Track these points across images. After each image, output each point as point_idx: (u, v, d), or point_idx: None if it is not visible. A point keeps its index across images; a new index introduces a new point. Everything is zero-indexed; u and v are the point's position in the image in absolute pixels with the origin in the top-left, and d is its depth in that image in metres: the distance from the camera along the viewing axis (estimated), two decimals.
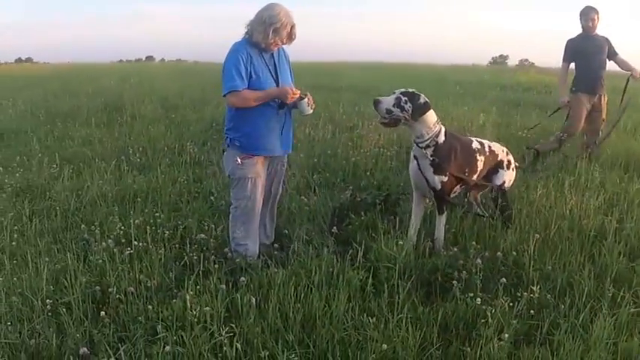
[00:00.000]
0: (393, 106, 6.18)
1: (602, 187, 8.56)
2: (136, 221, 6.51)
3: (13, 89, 24.57)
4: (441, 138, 6.33)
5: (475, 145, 6.75)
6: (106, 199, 7.95)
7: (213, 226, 6.69)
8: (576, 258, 6.00)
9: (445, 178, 6.34)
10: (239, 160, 5.94)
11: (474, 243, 6.10)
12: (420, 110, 6.19)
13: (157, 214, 7.02)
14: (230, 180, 6.24)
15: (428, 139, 6.26)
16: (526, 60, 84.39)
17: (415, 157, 6.45)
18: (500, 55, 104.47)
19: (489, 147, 6.89)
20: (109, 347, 4.38)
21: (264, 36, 5.79)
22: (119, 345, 4.41)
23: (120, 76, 30.05)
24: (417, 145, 6.34)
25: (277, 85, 5.99)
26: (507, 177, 6.95)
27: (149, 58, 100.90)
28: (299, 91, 5.90)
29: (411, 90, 6.30)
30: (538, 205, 7.36)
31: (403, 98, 6.18)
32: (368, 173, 9.31)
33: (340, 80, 22.09)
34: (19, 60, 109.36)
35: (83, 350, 4.33)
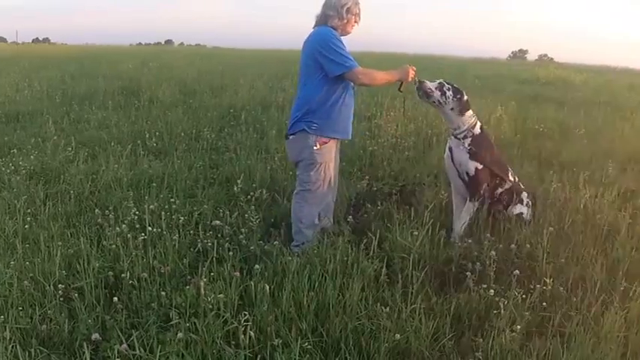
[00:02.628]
0: (435, 88, 6.53)
1: (616, 183, 8.53)
2: (151, 207, 6.53)
3: (30, 69, 24.52)
4: (477, 130, 6.59)
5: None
6: (120, 184, 7.94)
7: (228, 212, 6.66)
8: (589, 252, 5.98)
9: (480, 166, 6.51)
10: (318, 145, 6.09)
11: (488, 235, 6.07)
12: (460, 104, 6.57)
13: (172, 200, 7.00)
14: (301, 164, 6.30)
15: (465, 130, 6.54)
16: (545, 55, 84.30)
17: (450, 148, 6.68)
18: (520, 50, 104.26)
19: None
20: (121, 333, 4.38)
21: (340, 18, 6.10)
22: (132, 331, 4.40)
23: (138, 59, 30.08)
24: (455, 136, 6.60)
25: None
26: (524, 210, 6.91)
27: (168, 42, 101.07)
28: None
29: (455, 85, 6.66)
30: (552, 199, 7.35)
31: (447, 86, 6.57)
32: (385, 163, 9.30)
33: None
34: (36, 40, 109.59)
35: (95, 336, 4.33)
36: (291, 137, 6.31)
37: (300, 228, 6.28)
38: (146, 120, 12.77)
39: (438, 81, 6.64)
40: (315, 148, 6.07)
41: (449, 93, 6.50)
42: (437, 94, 6.51)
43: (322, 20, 6.18)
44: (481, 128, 6.71)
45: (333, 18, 6.09)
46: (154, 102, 15.39)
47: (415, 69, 6.34)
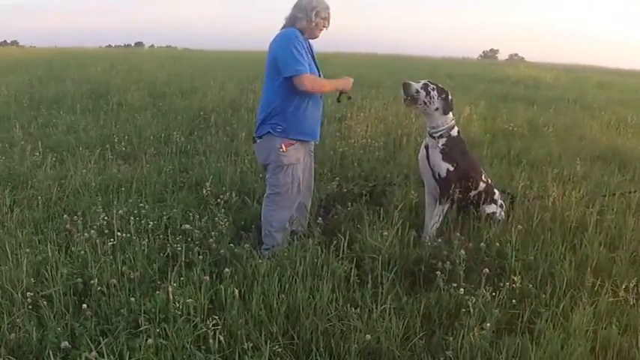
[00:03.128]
0: (421, 89, 6.54)
1: (584, 180, 8.63)
2: (120, 211, 6.47)
3: None
4: (454, 132, 6.65)
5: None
6: (89, 189, 7.87)
7: (198, 216, 6.64)
8: (558, 248, 6.07)
9: (452, 168, 6.54)
10: (283, 147, 6.08)
11: (458, 234, 6.08)
12: (446, 102, 6.59)
13: (141, 205, 6.95)
14: (269, 167, 6.30)
15: (442, 130, 6.57)
16: (516, 54, 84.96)
17: (426, 146, 6.72)
18: (491, 49, 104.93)
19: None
20: (90, 341, 4.32)
21: (308, 21, 6.11)
22: (101, 338, 4.34)
23: (107, 62, 29.86)
24: (431, 135, 6.63)
25: (319, 74, 6.28)
26: (496, 210, 6.95)
27: (138, 44, 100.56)
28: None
29: (441, 85, 6.70)
30: (521, 197, 7.40)
31: (431, 85, 6.59)
32: (355, 164, 9.33)
33: (330, 71, 22.10)
34: (4, 43, 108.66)
35: (64, 344, 4.28)
36: (258, 141, 6.31)
37: (270, 231, 6.27)
38: (115, 124, 12.66)
39: (423, 82, 6.67)
40: (281, 150, 6.06)
41: (434, 93, 6.53)
42: (422, 94, 6.54)
43: (291, 22, 6.18)
44: (458, 132, 6.75)
45: (302, 20, 6.10)
46: (123, 105, 15.30)
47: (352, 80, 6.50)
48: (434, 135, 6.60)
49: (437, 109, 6.55)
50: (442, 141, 6.56)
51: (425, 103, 6.55)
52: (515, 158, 10.37)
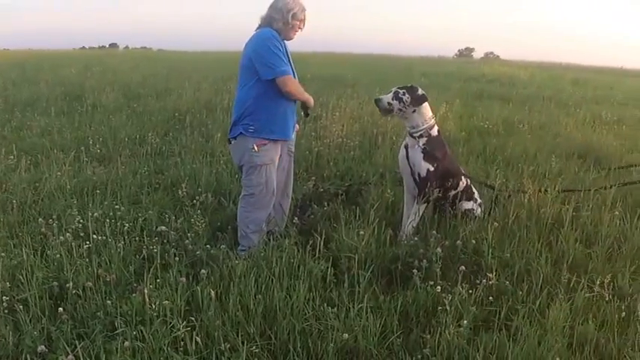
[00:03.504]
0: (392, 99, 6.58)
1: (559, 177, 8.67)
2: (95, 214, 6.45)
3: None
4: (434, 132, 6.66)
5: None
6: (64, 192, 7.81)
7: (173, 217, 6.64)
8: (534, 245, 6.10)
9: (432, 168, 6.55)
10: (255, 147, 6.07)
11: (434, 232, 6.13)
12: (418, 100, 6.59)
13: (117, 207, 6.91)
14: (243, 168, 6.30)
15: (422, 130, 6.59)
16: (491, 52, 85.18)
17: (406, 146, 6.74)
18: (467, 48, 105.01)
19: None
20: (67, 344, 4.31)
21: (284, 23, 6.11)
22: (77, 342, 4.34)
23: (82, 64, 29.68)
24: (411, 135, 6.65)
25: (294, 75, 6.25)
26: (474, 207, 6.99)
27: (113, 45, 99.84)
28: None
29: (409, 85, 6.71)
30: (497, 195, 7.42)
31: (400, 91, 6.58)
32: (331, 163, 9.33)
33: (306, 71, 22.18)
34: None
35: (41, 348, 4.27)
36: (232, 142, 6.31)
37: (246, 233, 6.25)
38: (89, 126, 12.61)
39: (392, 90, 6.69)
40: (253, 150, 6.05)
41: (405, 97, 6.54)
42: (395, 104, 6.59)
43: (266, 22, 6.17)
44: (438, 131, 6.76)
45: (278, 22, 6.09)
46: (98, 107, 15.19)
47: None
48: (414, 135, 6.62)
49: (414, 110, 6.58)
50: (423, 140, 6.58)
51: (400, 110, 6.60)
52: (491, 156, 10.41)
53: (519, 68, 36.55)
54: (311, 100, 6.47)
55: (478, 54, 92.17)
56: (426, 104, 6.65)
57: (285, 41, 6.26)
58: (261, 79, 5.98)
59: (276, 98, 6.09)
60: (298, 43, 6.41)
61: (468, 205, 6.87)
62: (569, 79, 31.13)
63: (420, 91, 6.62)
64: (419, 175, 6.60)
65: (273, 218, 6.43)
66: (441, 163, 6.61)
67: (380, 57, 51.66)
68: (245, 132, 6.09)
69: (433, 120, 6.71)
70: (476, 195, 7.04)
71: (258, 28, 6.24)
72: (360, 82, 21.15)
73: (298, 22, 6.19)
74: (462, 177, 6.91)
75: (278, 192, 6.49)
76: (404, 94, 6.56)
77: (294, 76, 6.21)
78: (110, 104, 15.69)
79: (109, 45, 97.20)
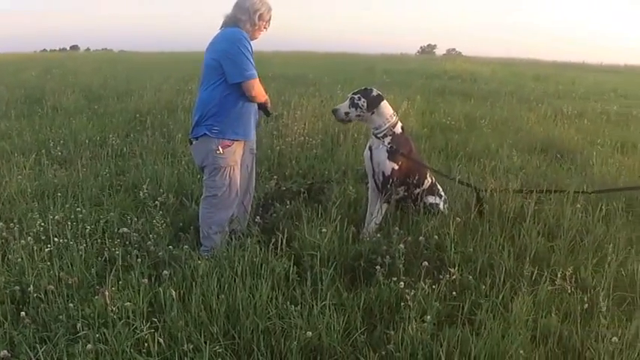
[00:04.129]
0: (349, 107, 6.63)
1: (521, 171, 8.75)
2: (57, 217, 6.39)
3: None
4: (398, 129, 6.69)
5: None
6: (25, 195, 7.73)
7: (135, 219, 6.61)
8: (497, 240, 6.12)
9: (397, 166, 6.58)
10: (220, 149, 6.04)
11: (397, 228, 6.14)
12: (374, 102, 6.59)
13: (78, 209, 6.86)
14: (206, 169, 6.26)
15: (385, 129, 6.60)
16: (453, 49, 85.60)
17: (370, 147, 6.76)
18: (429, 45, 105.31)
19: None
20: (29, 349, 4.29)
21: (252, 24, 6.09)
22: (39, 346, 4.30)
23: (42, 66, 29.49)
24: (375, 135, 6.67)
25: None
26: (439, 202, 7.01)
27: (74, 47, 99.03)
28: None
29: (363, 87, 6.74)
30: (460, 189, 7.46)
31: (356, 97, 6.61)
32: (293, 162, 9.32)
33: (268, 70, 22.17)
34: None
35: (3, 353, 4.24)
36: (194, 142, 6.27)
37: (209, 234, 6.23)
38: (50, 128, 12.51)
39: (348, 98, 6.73)
40: (218, 152, 6.03)
41: (361, 102, 6.57)
42: (353, 111, 6.64)
43: (232, 22, 6.13)
44: (402, 128, 6.79)
45: (245, 22, 6.06)
46: (58, 110, 15.07)
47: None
48: (378, 135, 6.64)
49: (372, 112, 6.61)
50: (387, 140, 6.60)
51: (359, 115, 6.67)
52: (453, 151, 10.49)
53: (481, 65, 36.89)
54: (269, 102, 6.51)
55: (440, 51, 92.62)
56: (383, 103, 6.66)
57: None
58: (229, 81, 5.97)
59: (241, 99, 6.09)
60: (260, 41, 6.40)
61: (432, 199, 6.88)
62: (531, 75, 31.46)
63: (375, 92, 6.65)
64: (383, 173, 6.61)
65: (235, 217, 6.40)
66: (406, 162, 6.63)
67: (342, 55, 51.75)
68: (209, 133, 6.05)
69: (395, 117, 6.72)
70: (440, 191, 7.06)
71: (222, 27, 6.21)
72: (322, 81, 21.19)
73: (264, 23, 6.19)
74: (428, 175, 6.93)
75: (240, 191, 6.47)
76: (359, 98, 6.60)
77: None
78: (71, 106, 15.59)
79: (70, 47, 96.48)
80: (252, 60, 5.98)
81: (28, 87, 19.68)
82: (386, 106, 6.68)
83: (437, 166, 8.86)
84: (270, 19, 6.25)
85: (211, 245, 6.12)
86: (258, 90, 6.09)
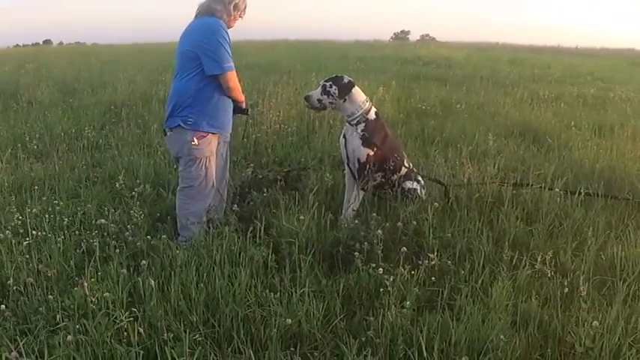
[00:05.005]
0: (321, 94, 6.64)
1: (498, 155, 8.77)
2: (34, 210, 6.39)
3: None
4: (372, 115, 6.69)
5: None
6: (2, 189, 7.73)
7: (113, 210, 6.59)
8: (475, 224, 6.16)
9: (372, 152, 6.60)
10: (196, 140, 6.01)
11: (374, 214, 6.13)
12: (345, 89, 6.60)
13: (56, 202, 6.83)
14: (181, 160, 6.23)
15: (358, 116, 6.62)
16: (427, 35, 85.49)
17: (344, 135, 6.79)
18: (402, 31, 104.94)
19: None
20: (10, 341, 4.27)
21: (227, 14, 6.05)
22: (20, 338, 4.29)
23: (15, 61, 29.27)
24: (349, 123, 6.69)
25: None
26: (417, 187, 7.00)
27: (47, 41, 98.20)
28: None
29: (334, 75, 6.74)
30: (436, 175, 7.48)
31: (327, 84, 6.62)
32: (269, 150, 9.33)
33: (242, 58, 22.11)
34: None
35: None
36: (168, 133, 6.25)
37: (186, 224, 6.23)
38: (25, 122, 12.43)
39: (320, 85, 6.76)
40: (193, 144, 6.01)
41: (333, 89, 6.59)
42: (325, 98, 6.66)
43: (206, 12, 6.07)
44: (376, 114, 6.78)
45: (221, 13, 6.02)
46: (33, 104, 14.98)
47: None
48: (352, 122, 6.66)
49: (344, 100, 6.62)
50: (361, 127, 6.61)
51: (331, 102, 6.68)
52: (430, 137, 10.51)
53: (456, 50, 36.94)
54: (243, 99, 6.49)
55: (414, 37, 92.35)
56: (355, 90, 6.68)
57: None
58: (206, 73, 5.94)
59: (217, 91, 6.07)
60: (234, 30, 6.35)
61: (409, 184, 6.89)
62: (507, 59, 31.59)
63: (346, 79, 6.66)
64: (358, 160, 6.63)
65: (212, 206, 6.40)
66: (380, 148, 6.64)
67: (315, 43, 51.69)
68: (183, 124, 6.02)
69: (368, 103, 6.73)
70: (419, 177, 7.08)
71: (197, 16, 6.15)
72: (296, 69, 21.15)
73: (240, 12, 6.17)
74: (405, 162, 6.93)
75: (216, 180, 6.46)
76: (330, 86, 6.61)
77: None
78: (45, 100, 15.48)
79: (43, 42, 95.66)
80: (229, 51, 5.95)
81: (2, 82, 19.51)
82: (358, 93, 6.70)
83: (413, 151, 8.89)
84: (245, 8, 6.22)
85: (189, 235, 6.10)
86: (234, 82, 6.08)
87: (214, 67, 5.89)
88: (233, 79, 6.02)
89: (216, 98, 6.08)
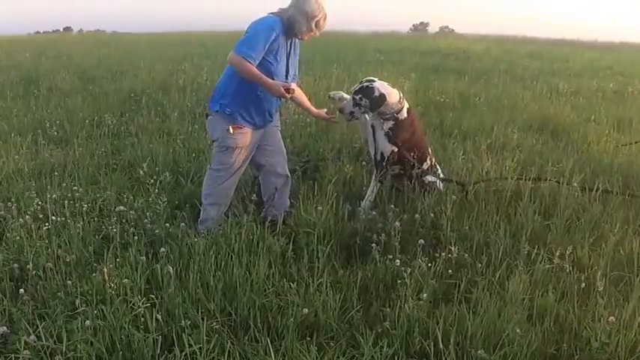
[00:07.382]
0: (353, 106, 6.52)
1: (517, 149, 8.74)
2: (54, 196, 6.42)
3: None
4: (403, 114, 6.63)
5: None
6: (22, 175, 7.76)
7: (132, 197, 6.63)
8: (493, 218, 6.14)
9: (395, 149, 6.62)
10: (231, 129, 5.96)
11: (392, 206, 6.16)
12: (377, 104, 6.47)
13: (75, 188, 6.86)
14: (215, 143, 6.22)
15: (389, 115, 6.56)
16: (446, 27, 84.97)
17: (373, 126, 6.74)
18: (421, 23, 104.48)
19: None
20: (29, 325, 4.31)
21: (308, 28, 5.92)
22: (39, 322, 4.32)
23: (36, 48, 29.34)
24: (379, 114, 6.59)
25: (287, 73, 6.11)
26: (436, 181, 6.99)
27: (67, 29, 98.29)
28: (294, 91, 5.98)
29: (365, 84, 6.55)
30: (455, 167, 7.48)
31: (357, 97, 6.49)
32: (288, 140, 9.31)
33: None
34: None
35: (3, 329, 4.27)
36: (209, 117, 6.24)
37: (204, 204, 6.26)
38: (46, 109, 12.51)
39: (350, 98, 6.58)
40: (228, 132, 5.96)
41: (363, 102, 6.47)
42: (357, 110, 6.57)
43: (287, 19, 5.91)
44: (408, 111, 6.71)
45: (301, 26, 5.87)
46: (53, 90, 15.05)
47: (293, 89, 5.96)
48: (382, 117, 6.62)
49: (378, 112, 6.55)
50: (389, 124, 6.59)
51: (364, 113, 6.64)
52: (448, 129, 10.47)
53: (475, 42, 36.79)
54: (269, 85, 5.87)
55: (433, 28, 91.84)
56: (387, 100, 6.50)
57: (297, 40, 6.19)
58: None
59: (258, 87, 5.94)
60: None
61: (430, 177, 6.89)
62: (525, 53, 31.35)
63: (377, 92, 6.45)
64: (382, 154, 6.64)
65: (270, 204, 6.45)
66: (404, 145, 6.64)
67: (333, 34, 51.59)
68: (220, 111, 6.02)
69: (403, 102, 6.66)
70: (439, 171, 7.09)
71: (278, 15, 6.00)
72: (315, 59, 21.08)
73: (318, 29, 6.03)
74: (428, 158, 6.93)
75: (272, 174, 6.50)
76: (361, 99, 6.47)
77: (287, 76, 6.11)
78: (66, 87, 15.53)
79: (63, 29, 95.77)
80: (262, 47, 5.76)
81: (23, 69, 19.58)
82: (390, 99, 6.55)
83: (432, 144, 8.87)
84: (323, 26, 6.06)
85: (206, 217, 6.16)
86: (242, 67, 5.76)
87: (236, 45, 5.79)
88: (243, 65, 5.73)
89: (255, 94, 6.00)
